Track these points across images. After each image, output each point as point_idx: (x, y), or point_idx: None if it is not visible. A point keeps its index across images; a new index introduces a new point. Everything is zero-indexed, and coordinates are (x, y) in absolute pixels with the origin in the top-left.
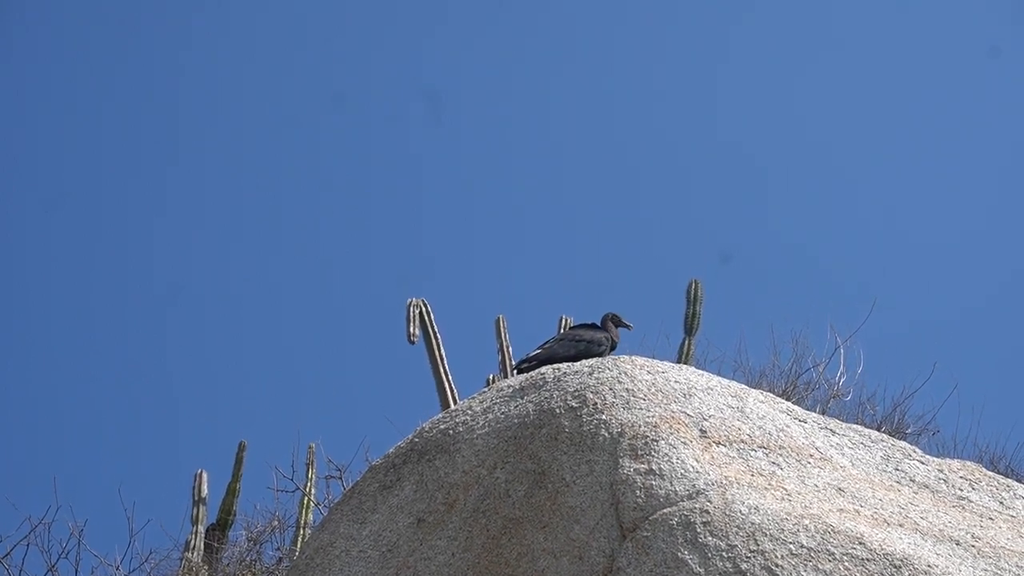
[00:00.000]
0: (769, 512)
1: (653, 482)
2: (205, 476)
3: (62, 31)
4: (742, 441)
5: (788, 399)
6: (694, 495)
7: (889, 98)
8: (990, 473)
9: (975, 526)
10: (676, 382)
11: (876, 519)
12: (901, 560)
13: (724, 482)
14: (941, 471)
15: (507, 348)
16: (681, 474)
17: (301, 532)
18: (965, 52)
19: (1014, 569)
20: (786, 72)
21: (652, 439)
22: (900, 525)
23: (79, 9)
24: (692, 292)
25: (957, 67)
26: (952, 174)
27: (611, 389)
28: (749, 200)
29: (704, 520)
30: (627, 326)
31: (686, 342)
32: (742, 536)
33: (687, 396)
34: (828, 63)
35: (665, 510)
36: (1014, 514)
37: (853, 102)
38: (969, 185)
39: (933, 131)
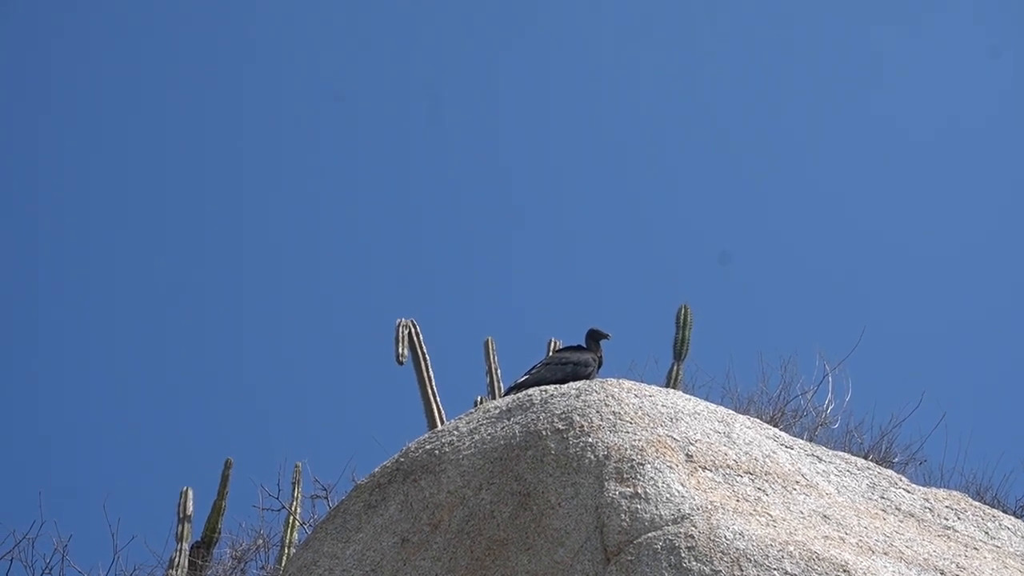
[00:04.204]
0: (754, 538)
1: (638, 506)
2: (191, 493)
3: (61, 35)
4: (728, 466)
5: (776, 426)
6: (679, 519)
7: (885, 102)
8: (976, 503)
9: (960, 556)
10: (663, 406)
11: (861, 547)
12: None
13: (709, 507)
14: (927, 500)
15: (496, 370)
16: (666, 498)
17: (286, 551)
18: (965, 52)
19: None
20: (774, 78)
21: (638, 463)
22: (885, 553)
23: (74, 9)
24: (681, 317)
25: (957, 67)
26: (943, 192)
27: (598, 412)
28: (743, 220)
29: (689, 545)
30: (605, 336)
31: (675, 367)
32: (726, 562)
33: (674, 420)
34: (817, 68)
35: (650, 534)
36: (999, 544)
37: (842, 108)
38: (965, 205)
39: (927, 138)
